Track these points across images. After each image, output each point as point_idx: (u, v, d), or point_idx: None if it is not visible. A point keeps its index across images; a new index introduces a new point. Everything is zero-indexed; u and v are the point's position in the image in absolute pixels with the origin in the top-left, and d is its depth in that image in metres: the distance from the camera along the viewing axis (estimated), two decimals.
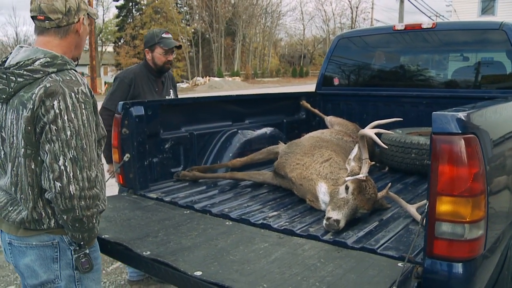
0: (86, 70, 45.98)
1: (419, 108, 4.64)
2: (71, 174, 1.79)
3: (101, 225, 2.63)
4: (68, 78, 1.87)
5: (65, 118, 1.79)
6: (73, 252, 2.00)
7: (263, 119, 4.61)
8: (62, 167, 1.79)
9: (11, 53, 2.02)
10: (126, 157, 3.33)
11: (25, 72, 1.85)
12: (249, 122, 4.45)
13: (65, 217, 1.86)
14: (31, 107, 1.80)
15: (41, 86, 1.81)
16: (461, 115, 1.96)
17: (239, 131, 4.13)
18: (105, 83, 40.35)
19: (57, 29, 1.96)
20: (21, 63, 1.86)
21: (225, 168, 3.82)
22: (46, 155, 1.81)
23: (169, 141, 3.68)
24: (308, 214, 2.90)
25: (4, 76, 1.87)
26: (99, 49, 48.26)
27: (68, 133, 1.79)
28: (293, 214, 2.90)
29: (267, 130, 4.40)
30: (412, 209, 2.68)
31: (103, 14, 50.43)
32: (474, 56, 4.70)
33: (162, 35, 4.00)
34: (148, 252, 2.23)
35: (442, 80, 4.85)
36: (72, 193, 1.79)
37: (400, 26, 4.81)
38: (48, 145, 1.80)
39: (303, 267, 2.05)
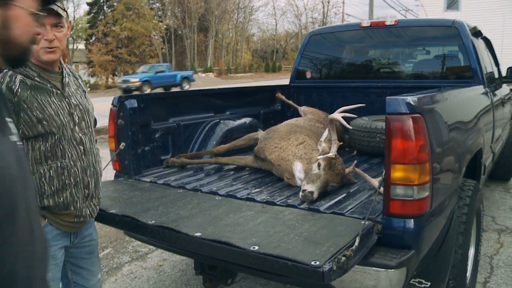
0: None
1: (383, 98, 5.06)
2: None
3: (107, 203, 3.01)
4: None
5: None
6: None
7: (243, 110, 5.01)
8: None
9: None
10: (122, 145, 3.68)
11: None
12: (230, 113, 4.84)
13: None
14: None
15: None
16: (410, 99, 2.43)
17: (221, 121, 4.51)
18: None
19: None
20: None
21: (210, 154, 4.21)
22: None
23: (159, 131, 4.04)
24: (286, 189, 3.31)
25: None
26: (70, 46, 47.67)
27: None
28: (273, 190, 3.31)
29: (246, 120, 4.80)
30: (375, 182, 3.13)
31: (74, 11, 49.75)
32: (431, 51, 5.20)
33: None
34: (153, 221, 2.60)
35: (404, 72, 5.34)
36: None
37: (366, 23, 5.28)
38: None
39: (284, 226, 2.46)
